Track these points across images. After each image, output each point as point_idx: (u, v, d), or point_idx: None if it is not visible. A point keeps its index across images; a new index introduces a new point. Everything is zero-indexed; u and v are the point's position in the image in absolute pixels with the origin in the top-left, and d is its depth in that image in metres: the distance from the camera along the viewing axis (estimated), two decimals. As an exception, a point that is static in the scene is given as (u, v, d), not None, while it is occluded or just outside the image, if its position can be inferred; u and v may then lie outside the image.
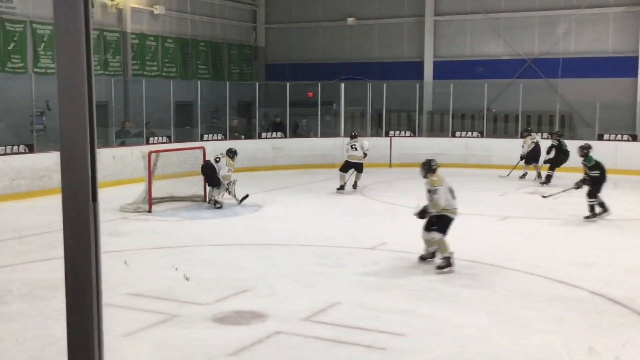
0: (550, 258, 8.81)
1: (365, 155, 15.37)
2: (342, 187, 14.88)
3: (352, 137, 15.79)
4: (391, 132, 21.34)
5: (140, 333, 5.93)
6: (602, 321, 6.20)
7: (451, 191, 8.24)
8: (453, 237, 9.89)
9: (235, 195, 12.90)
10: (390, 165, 20.49)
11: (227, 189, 12.80)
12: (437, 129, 22.49)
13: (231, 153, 13.08)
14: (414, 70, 23.76)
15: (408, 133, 21.48)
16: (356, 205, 13.40)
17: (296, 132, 21.43)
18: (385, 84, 21.29)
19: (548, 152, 16.41)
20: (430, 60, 23.73)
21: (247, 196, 13.08)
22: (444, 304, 6.78)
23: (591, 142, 19.16)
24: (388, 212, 12.70)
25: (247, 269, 8.21)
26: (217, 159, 12.82)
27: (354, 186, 15.15)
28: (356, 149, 15.26)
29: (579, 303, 6.75)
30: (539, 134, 18.27)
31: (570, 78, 21.46)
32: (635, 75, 20.77)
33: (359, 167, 15.21)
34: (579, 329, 6.00)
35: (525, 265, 8.28)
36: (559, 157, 16.21)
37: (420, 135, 21.69)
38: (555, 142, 16.45)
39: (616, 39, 21.25)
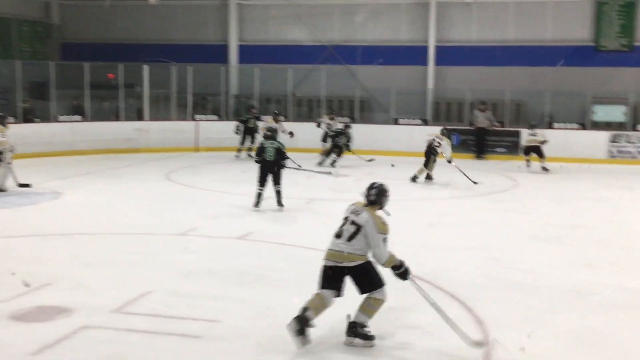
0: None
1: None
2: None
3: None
4: (197, 116, 21.02)
5: None
6: (407, 297, 6.50)
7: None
8: (262, 220, 9.99)
9: (12, 173, 11.91)
10: (196, 150, 20.21)
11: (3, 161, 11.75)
12: (243, 113, 22.50)
13: None
14: (219, 53, 23.56)
15: (214, 117, 21.29)
16: (163, 191, 13.03)
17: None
18: (190, 67, 20.91)
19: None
20: (235, 44, 23.66)
21: (28, 185, 12.19)
22: (259, 287, 6.78)
23: (387, 127, 20.45)
24: (196, 197, 12.50)
25: (48, 261, 7.64)
26: None
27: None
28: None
29: (387, 281, 7.04)
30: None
31: (368, 65, 22.48)
32: (426, 64, 22.22)
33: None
34: (387, 305, 6.25)
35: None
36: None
37: (227, 119, 21.60)
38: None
39: (408, 29, 22.55)
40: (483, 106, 20.14)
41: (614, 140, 19.15)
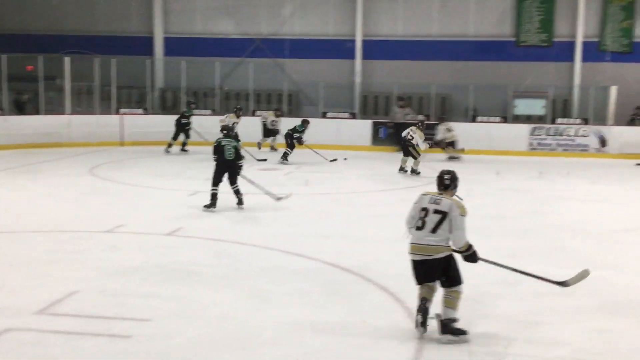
0: (288, 232, 9.16)
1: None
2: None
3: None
4: (122, 110, 20.54)
5: None
6: (338, 290, 6.59)
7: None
8: (191, 216, 9.87)
9: None
10: (121, 144, 19.76)
11: None
12: (169, 107, 22.18)
13: None
14: (144, 45, 23.08)
15: (140, 110, 20.86)
16: (88, 187, 12.70)
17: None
18: (114, 59, 20.40)
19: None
20: (160, 36, 23.23)
21: None
22: (189, 284, 6.69)
23: (315, 120, 20.48)
24: (122, 192, 12.25)
25: (-34, 262, 7.34)
26: None
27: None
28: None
29: (317, 274, 7.10)
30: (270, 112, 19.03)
31: (296, 58, 22.47)
32: (353, 57, 22.38)
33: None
34: (319, 299, 6.31)
35: (263, 240, 8.49)
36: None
37: (152, 113, 21.21)
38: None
39: (336, 23, 22.66)
40: (402, 102, 20.48)
41: (533, 133, 19.78)
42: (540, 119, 20.54)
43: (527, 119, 20.67)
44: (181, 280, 6.80)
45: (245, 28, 22.82)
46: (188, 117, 18.31)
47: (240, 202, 10.57)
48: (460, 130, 19.42)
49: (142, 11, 23.32)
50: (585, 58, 21.26)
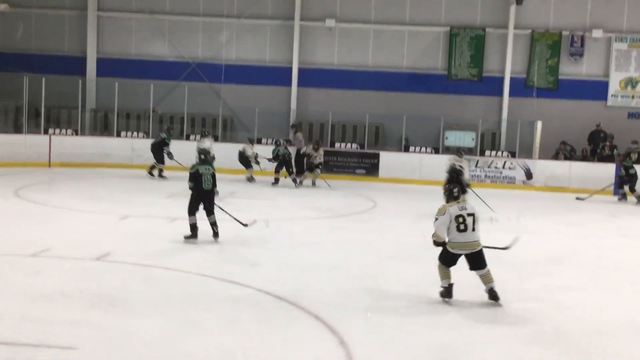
0: (218, 259, 9.08)
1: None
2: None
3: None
4: (50, 130, 20.03)
5: None
6: (271, 318, 6.56)
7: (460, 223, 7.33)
8: (121, 241, 9.68)
9: None
10: (49, 165, 19.25)
11: None
12: (101, 128, 21.77)
13: None
14: (76, 65, 22.68)
15: (70, 131, 20.39)
16: (13, 209, 12.30)
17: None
18: (44, 78, 19.93)
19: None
20: (93, 56, 22.89)
21: None
22: (118, 311, 6.53)
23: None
24: (49, 215, 11.90)
25: None
26: None
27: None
28: None
29: (249, 301, 7.05)
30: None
31: (232, 84, 22.47)
32: (290, 84, 22.54)
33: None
34: (250, 326, 6.26)
35: (194, 266, 8.39)
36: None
37: (83, 134, 20.78)
38: None
39: (273, 50, 22.81)
40: (295, 128, 20.86)
41: (464, 164, 20.22)
42: (469, 151, 21.07)
43: (457, 150, 21.16)
44: (108, 307, 6.63)
45: (181, 51, 22.72)
46: (168, 144, 17.79)
47: (216, 234, 9.89)
48: (393, 160, 19.77)
49: (76, 31, 22.94)
50: (513, 93, 22.03)
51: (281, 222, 12.19)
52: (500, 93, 22.12)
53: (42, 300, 6.70)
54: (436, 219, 7.43)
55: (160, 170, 17.54)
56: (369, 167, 20.21)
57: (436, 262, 7.53)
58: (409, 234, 11.60)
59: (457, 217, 7.29)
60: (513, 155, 20.43)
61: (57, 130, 20.05)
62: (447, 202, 7.53)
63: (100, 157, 19.67)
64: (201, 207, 9.95)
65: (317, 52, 22.67)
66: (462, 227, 7.29)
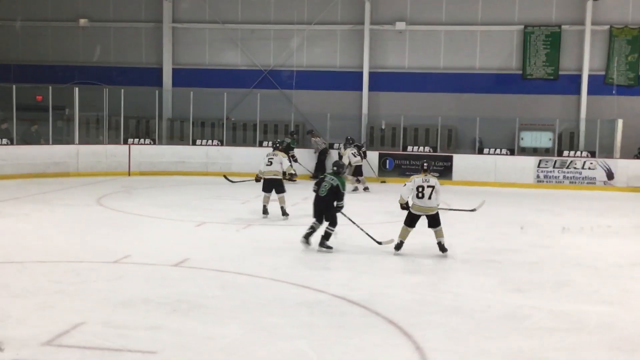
0: (292, 264, 9.16)
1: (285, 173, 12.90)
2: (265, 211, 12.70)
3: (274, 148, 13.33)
4: (130, 140, 20.68)
5: None
6: (345, 323, 6.56)
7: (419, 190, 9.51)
8: (198, 247, 9.89)
9: None
10: (129, 174, 19.86)
11: None
12: (177, 137, 22.32)
13: None
14: (152, 76, 23.35)
15: (148, 141, 20.99)
16: (95, 217, 12.74)
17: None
18: (123, 90, 20.59)
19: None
20: (169, 67, 23.50)
21: None
22: (196, 316, 6.67)
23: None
24: (129, 222, 12.27)
25: (-28, 292, 7.34)
26: None
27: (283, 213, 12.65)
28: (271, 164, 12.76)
29: (323, 307, 7.07)
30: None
31: (303, 90, 22.66)
32: (360, 89, 22.54)
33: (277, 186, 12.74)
34: (325, 332, 6.28)
35: (269, 272, 8.48)
36: None
37: (160, 143, 21.34)
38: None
39: (343, 55, 22.88)
40: (312, 132, 20.99)
41: (540, 165, 19.78)
42: (547, 152, 20.56)
43: (534, 151, 20.70)
44: (187, 312, 6.78)
45: (253, 59, 23.06)
46: (293, 149, 18.89)
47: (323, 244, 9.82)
48: (466, 162, 19.51)
49: (152, 43, 23.62)
50: (591, 91, 21.37)
51: (347, 226, 12.14)
52: (577, 91, 21.50)
53: (123, 306, 6.91)
54: (404, 185, 9.60)
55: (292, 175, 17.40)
56: (442, 170, 19.96)
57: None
58: (482, 238, 11.40)
59: (419, 187, 9.50)
60: (593, 155, 19.80)
61: (136, 140, 20.69)
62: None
63: (176, 165, 20.18)
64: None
65: (388, 55, 22.59)
66: (420, 195, 9.49)
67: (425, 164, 9.79)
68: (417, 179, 9.55)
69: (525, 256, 10.00)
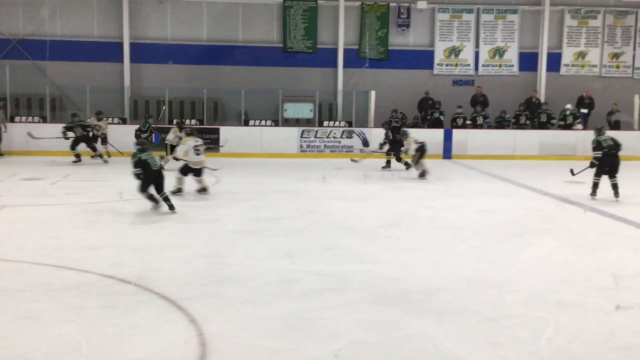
0: (55, 245, 8.60)
1: None
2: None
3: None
4: None
5: None
6: (116, 302, 6.30)
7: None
8: None
9: None
10: None
11: None
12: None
13: None
14: None
15: None
16: None
17: None
18: None
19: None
20: None
21: None
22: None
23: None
24: None
25: None
26: None
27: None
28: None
29: (91, 287, 6.74)
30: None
31: (59, 61, 21.26)
32: (122, 61, 21.67)
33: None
34: (95, 313, 5.99)
35: (30, 255, 7.90)
36: None
37: None
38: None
39: (102, 25, 21.82)
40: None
41: (303, 135, 20.58)
42: (308, 122, 21.43)
43: (297, 122, 21.46)
44: None
45: (0, 28, 21.11)
46: (146, 131, 17.32)
47: (171, 207, 10.79)
48: (233, 134, 19.71)
49: None
50: (347, 64, 22.62)
51: (119, 203, 11.74)
52: (334, 64, 22.61)
53: None
54: (182, 146, 12.49)
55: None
56: (209, 143, 19.90)
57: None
58: (253, 207, 11.61)
59: (195, 146, 12.31)
60: (350, 124, 21.02)
61: None
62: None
63: None
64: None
65: (150, 26, 21.97)
66: (197, 153, 12.31)
67: (189, 129, 13.39)
68: (191, 142, 12.37)
69: (294, 223, 10.36)
